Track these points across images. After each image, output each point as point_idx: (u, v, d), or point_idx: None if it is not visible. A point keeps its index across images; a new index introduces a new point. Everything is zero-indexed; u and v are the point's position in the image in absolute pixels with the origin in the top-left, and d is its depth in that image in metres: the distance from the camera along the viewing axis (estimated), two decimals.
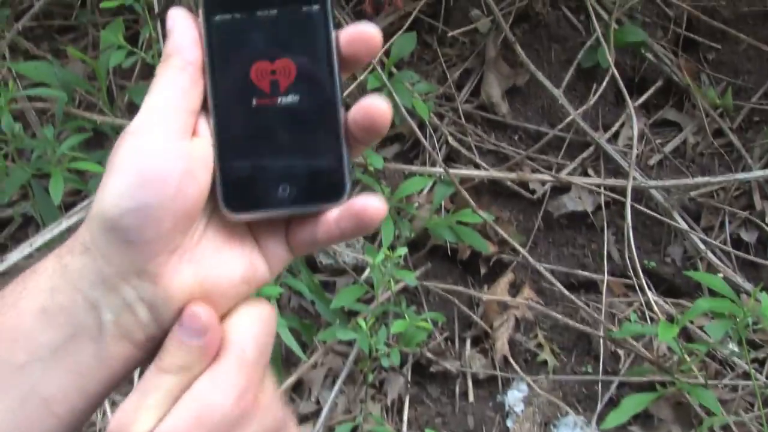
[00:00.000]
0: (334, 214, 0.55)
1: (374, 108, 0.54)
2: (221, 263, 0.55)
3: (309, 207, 0.56)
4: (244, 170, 0.55)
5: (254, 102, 0.55)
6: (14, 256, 1.54)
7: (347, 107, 0.56)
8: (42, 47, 1.97)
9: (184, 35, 0.54)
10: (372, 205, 0.54)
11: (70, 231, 1.76)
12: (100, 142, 1.89)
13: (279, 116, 0.55)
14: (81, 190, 1.72)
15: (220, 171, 0.55)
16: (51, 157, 1.58)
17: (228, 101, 0.55)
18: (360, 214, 0.54)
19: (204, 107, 0.56)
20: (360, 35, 0.55)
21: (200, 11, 0.55)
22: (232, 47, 0.55)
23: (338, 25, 0.57)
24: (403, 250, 1.51)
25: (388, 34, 1.94)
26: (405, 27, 1.90)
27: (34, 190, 1.63)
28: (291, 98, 0.55)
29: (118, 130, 1.71)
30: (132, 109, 1.84)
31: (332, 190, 0.55)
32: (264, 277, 0.57)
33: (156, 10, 1.82)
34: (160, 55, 1.81)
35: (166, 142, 0.52)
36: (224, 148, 0.55)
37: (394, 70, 1.82)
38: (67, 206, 1.80)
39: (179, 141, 0.52)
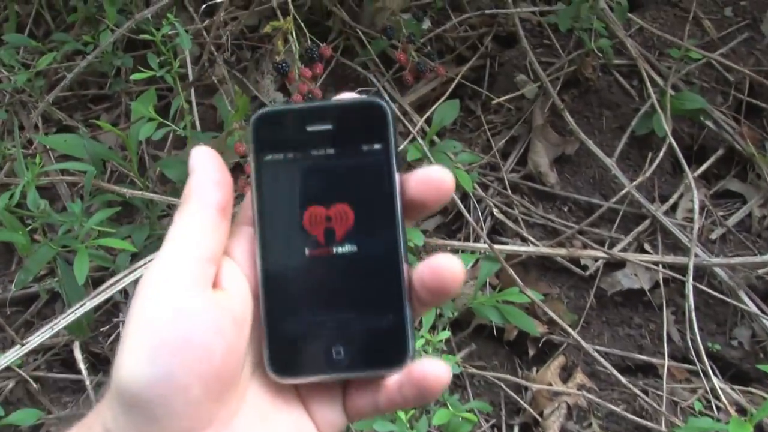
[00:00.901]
0: (396, 380, 0.49)
1: (445, 268, 0.47)
2: None
3: (365, 373, 0.50)
4: (294, 329, 0.50)
5: (307, 252, 0.50)
6: (36, 339, 1.47)
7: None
8: (75, 117, 1.93)
9: (205, 175, 0.49)
10: (433, 372, 0.48)
11: (96, 310, 1.70)
12: (131, 214, 1.83)
13: (334, 269, 0.50)
14: (109, 267, 1.65)
15: (267, 329, 0.50)
16: (78, 233, 1.52)
17: (278, 250, 0.50)
18: (420, 383, 0.48)
19: (228, 252, 0.50)
20: (429, 179, 0.49)
21: (250, 150, 0.51)
22: (284, 190, 0.50)
23: (404, 164, 0.49)
24: (445, 334, 1.42)
25: (429, 101, 1.87)
26: (447, 93, 1.83)
27: (59, 267, 1.57)
28: (348, 248, 0.50)
29: (148, 204, 1.65)
30: (164, 181, 1.79)
31: (392, 355, 0.49)
32: None
33: (190, 78, 1.78)
34: (193, 127, 1.77)
35: (184, 297, 0.46)
36: (272, 303, 0.50)
37: (435, 138, 1.74)
38: (95, 282, 1.74)
39: (200, 294, 0.46)
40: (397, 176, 0.49)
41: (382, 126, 0.50)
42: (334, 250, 0.50)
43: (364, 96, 0.52)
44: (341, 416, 0.51)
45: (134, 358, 0.45)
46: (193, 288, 0.46)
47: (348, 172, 0.50)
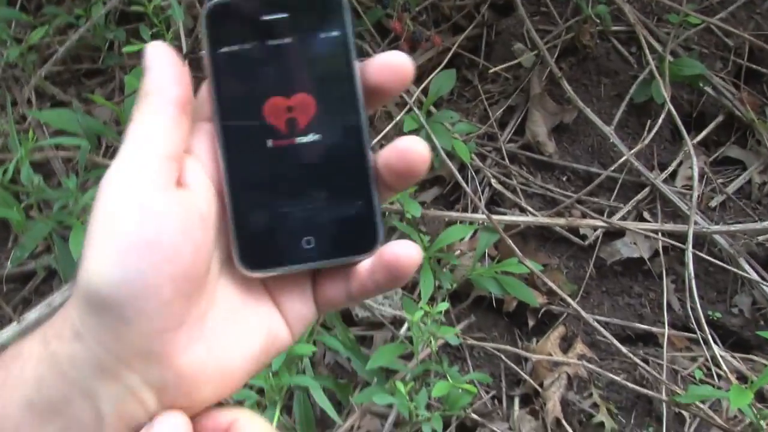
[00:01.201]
0: (367, 266, 0.49)
1: (411, 151, 0.48)
2: (237, 334, 0.48)
3: (337, 260, 0.49)
4: (261, 222, 0.49)
5: (270, 143, 0.49)
6: (32, 315, 1.47)
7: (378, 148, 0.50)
8: (69, 91, 1.91)
9: (161, 72, 0.48)
10: (404, 253, 0.48)
11: None
12: None
13: (299, 159, 0.49)
14: None
15: (235, 223, 0.49)
16: (73, 209, 1.51)
17: (240, 144, 0.49)
18: (392, 264, 0.48)
19: (194, 150, 0.49)
20: (388, 64, 0.48)
21: (204, 43, 0.49)
22: (242, 83, 0.49)
23: (363, 55, 0.48)
24: (444, 306, 1.41)
25: (426, 71, 1.85)
26: (444, 63, 1.81)
27: (55, 243, 1.55)
28: (311, 138, 0.49)
29: None
30: None
31: (362, 240, 0.49)
32: (285, 342, 0.50)
33: (183, 51, 1.75)
34: None
35: (150, 196, 0.45)
36: (238, 198, 0.49)
37: (432, 109, 1.72)
38: None
39: (165, 192, 0.45)
40: (356, 63, 0.49)
41: (338, 13, 0.49)
42: (297, 139, 0.49)
43: None
44: (311, 308, 0.50)
45: (102, 260, 0.43)
46: (158, 186, 0.45)
47: (306, 61, 0.49)
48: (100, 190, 0.45)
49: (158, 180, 0.45)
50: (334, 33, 0.49)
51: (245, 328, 0.49)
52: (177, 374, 0.45)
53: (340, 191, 0.49)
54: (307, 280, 0.50)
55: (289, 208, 0.49)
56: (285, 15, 0.49)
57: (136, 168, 0.45)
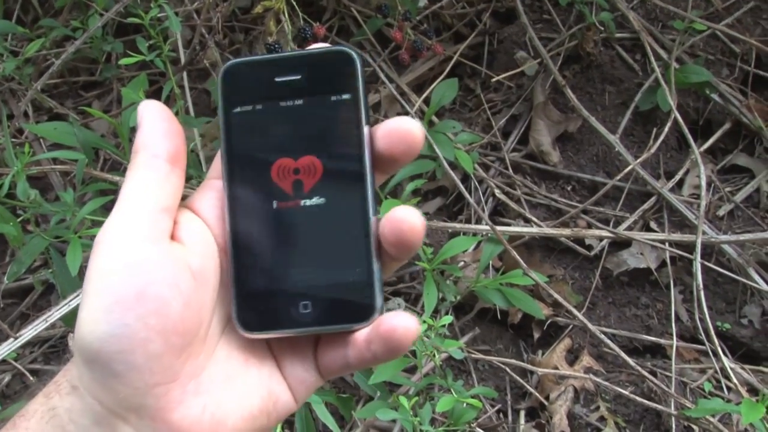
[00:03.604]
0: (364, 335, 0.48)
1: (403, 221, 0.47)
2: (235, 392, 0.48)
3: (333, 327, 0.49)
4: (261, 283, 0.49)
5: (275, 205, 0.49)
6: (30, 332, 1.44)
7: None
8: (66, 104, 1.90)
9: (152, 128, 0.49)
10: (401, 324, 0.47)
11: None
12: None
13: (302, 222, 0.49)
14: None
15: (235, 283, 0.49)
16: (71, 223, 1.49)
17: (245, 203, 0.49)
18: (389, 336, 0.47)
19: (178, 205, 0.50)
20: (397, 131, 0.48)
21: (218, 102, 0.51)
22: (252, 142, 0.50)
23: (374, 119, 0.46)
24: (448, 319, 1.38)
25: (427, 81, 1.83)
26: (446, 72, 1.78)
27: (52, 258, 1.53)
28: (315, 201, 0.49)
29: None
30: None
31: (359, 309, 0.49)
32: (287, 406, 0.50)
33: (182, 62, 1.74)
34: (187, 112, 1.72)
35: (138, 250, 0.45)
36: (239, 257, 0.49)
37: (434, 119, 1.70)
38: None
39: (153, 246, 0.46)
40: (366, 128, 0.49)
41: (350, 76, 0.49)
42: (302, 202, 0.49)
43: (332, 45, 0.51)
44: (314, 374, 0.50)
45: (91, 314, 0.44)
46: (147, 240, 0.46)
47: (316, 124, 0.49)
48: (94, 247, 0.46)
49: (148, 234, 0.46)
50: (346, 97, 0.49)
51: (244, 387, 0.48)
52: (170, 429, 0.45)
53: (340, 257, 0.49)
54: (309, 344, 0.50)
55: (288, 271, 0.49)
56: (298, 77, 0.50)
57: (126, 223, 0.46)
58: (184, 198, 0.50)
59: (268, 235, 0.49)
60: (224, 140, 0.50)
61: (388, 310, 0.49)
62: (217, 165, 0.52)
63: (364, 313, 0.48)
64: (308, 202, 0.49)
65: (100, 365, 0.44)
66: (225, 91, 0.50)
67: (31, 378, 1.61)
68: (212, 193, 0.51)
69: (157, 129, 0.49)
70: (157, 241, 0.46)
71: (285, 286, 0.49)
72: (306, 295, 0.49)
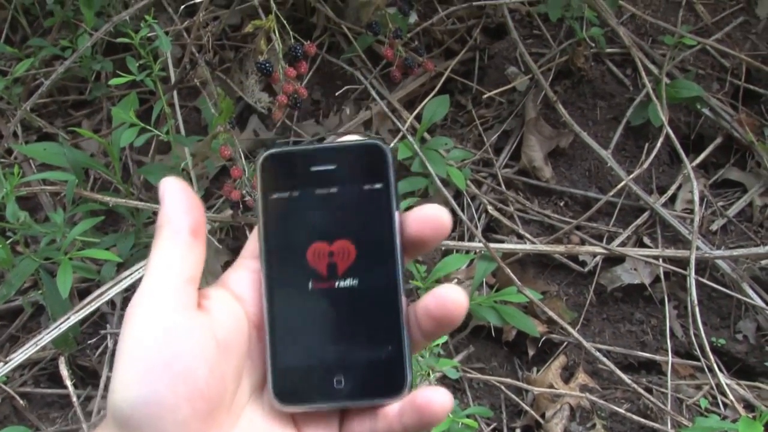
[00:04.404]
0: (395, 408, 0.51)
1: (449, 299, 0.50)
2: None
3: (365, 401, 0.52)
4: (296, 359, 0.52)
5: (310, 285, 0.52)
6: (20, 356, 1.42)
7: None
8: (56, 123, 1.88)
9: (173, 204, 0.52)
10: (437, 400, 0.49)
11: (83, 323, 1.65)
12: (116, 222, 1.78)
13: (336, 302, 0.52)
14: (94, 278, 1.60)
15: (271, 358, 0.52)
16: (61, 244, 1.47)
17: (282, 283, 0.53)
18: (423, 409, 0.49)
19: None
20: (428, 218, 0.52)
21: (257, 188, 0.54)
22: (289, 227, 0.53)
23: (404, 204, 0.48)
24: (442, 338, 1.37)
25: (418, 97, 1.82)
26: (437, 88, 1.78)
27: (42, 280, 1.52)
28: (349, 282, 0.52)
29: (132, 211, 1.60)
30: (148, 187, 1.74)
31: (391, 385, 0.51)
32: None
33: (172, 81, 1.73)
34: (177, 131, 1.71)
35: (167, 319, 0.49)
36: (276, 334, 0.52)
37: (426, 135, 1.69)
38: (81, 293, 1.69)
39: (180, 316, 0.49)
40: (396, 214, 0.52)
41: (382, 167, 0.53)
42: (337, 283, 0.52)
43: (366, 138, 0.55)
44: None
45: (125, 381, 0.47)
46: (175, 309, 0.49)
47: (350, 211, 0.53)
48: (126, 318, 0.49)
49: (176, 303, 0.49)
50: (378, 186, 0.53)
51: None
52: None
53: (372, 335, 0.52)
54: (335, 415, 0.52)
55: (323, 348, 0.52)
56: (332, 167, 0.53)
57: (155, 294, 0.49)
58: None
59: (304, 313, 0.52)
60: (262, 224, 0.53)
61: None
62: (251, 245, 0.55)
63: (395, 388, 0.51)
64: (342, 284, 0.52)
65: (132, 429, 0.46)
66: (263, 178, 0.53)
67: (21, 402, 1.59)
68: (245, 272, 0.54)
69: (178, 204, 0.52)
70: (184, 311, 0.49)
71: (320, 361, 0.52)
72: (340, 370, 0.51)
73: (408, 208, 0.53)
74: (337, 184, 0.53)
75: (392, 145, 1.66)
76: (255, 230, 0.55)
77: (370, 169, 0.53)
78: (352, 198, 0.53)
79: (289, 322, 0.52)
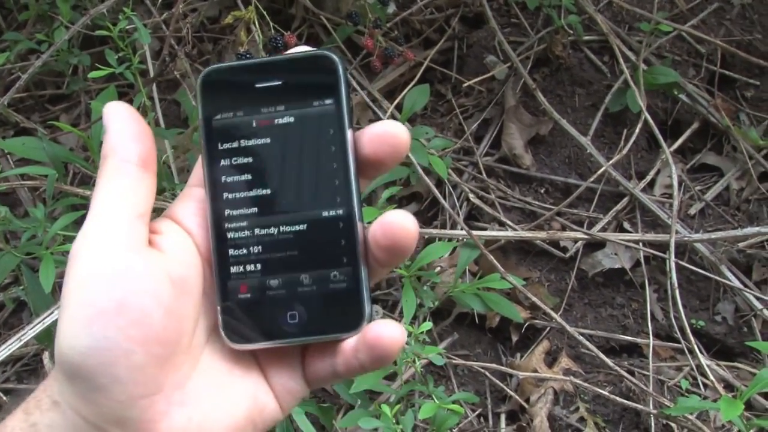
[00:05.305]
0: (351, 344, 0.48)
1: (397, 225, 0.46)
2: (220, 402, 0.47)
3: (321, 337, 0.48)
4: (247, 294, 0.48)
5: (258, 214, 0.49)
6: (3, 352, 1.41)
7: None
8: (33, 118, 1.87)
9: (120, 131, 0.47)
10: (388, 334, 0.46)
11: None
12: None
13: (286, 231, 0.48)
14: None
15: (220, 295, 0.49)
16: (42, 239, 1.47)
17: (229, 213, 0.49)
18: (375, 344, 0.46)
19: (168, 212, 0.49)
20: (383, 136, 0.47)
21: (198, 110, 0.49)
22: (234, 152, 0.49)
23: (356, 123, 0.46)
24: (427, 326, 1.38)
25: (398, 87, 1.83)
26: (417, 78, 1.78)
27: (24, 276, 1.51)
28: (300, 210, 0.49)
29: None
30: None
31: (347, 319, 0.48)
32: (273, 415, 0.49)
33: (151, 74, 1.72)
34: (157, 123, 1.71)
35: (116, 260, 0.44)
36: (224, 268, 0.48)
37: (407, 125, 1.70)
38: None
39: (132, 255, 0.45)
40: (349, 134, 0.48)
41: (332, 80, 0.48)
42: (286, 211, 0.48)
43: (313, 48, 0.50)
44: (301, 383, 0.50)
45: (71, 327, 0.43)
46: (125, 248, 0.45)
47: (298, 131, 0.48)
48: (70, 258, 0.45)
49: (125, 242, 0.45)
50: (328, 101, 0.48)
51: (229, 396, 0.47)
52: None
53: (327, 267, 0.48)
54: (296, 353, 0.49)
55: (274, 282, 0.48)
56: (278, 83, 0.49)
57: (102, 232, 0.45)
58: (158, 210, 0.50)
59: (252, 244, 0.49)
60: (205, 148, 0.49)
61: None
62: (198, 172, 0.51)
63: (352, 322, 0.48)
64: (292, 211, 0.48)
65: (81, 379, 0.43)
66: (204, 98, 0.49)
67: (4, 398, 1.58)
68: (193, 203, 0.50)
69: (125, 132, 0.47)
70: (135, 250, 0.45)
71: (272, 296, 0.48)
72: (293, 304, 0.48)
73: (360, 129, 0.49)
74: (284, 101, 0.48)
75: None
76: (199, 156, 0.51)
77: (319, 82, 0.48)
78: (301, 117, 0.48)
79: (236, 255, 0.48)
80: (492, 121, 1.85)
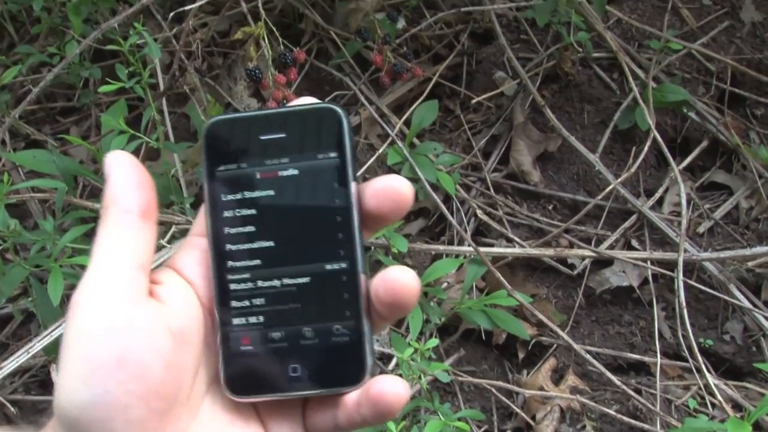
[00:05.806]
0: (354, 398, 0.47)
1: (398, 282, 0.46)
2: None
3: (323, 391, 0.48)
4: (249, 346, 0.48)
5: (261, 266, 0.49)
6: (11, 364, 1.42)
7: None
8: (44, 130, 1.88)
9: (121, 182, 0.47)
10: (390, 390, 0.46)
11: None
12: None
13: (289, 284, 0.49)
14: None
15: (222, 346, 0.48)
16: (51, 251, 1.47)
17: (232, 264, 0.49)
18: (378, 401, 0.46)
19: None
20: (386, 190, 0.47)
21: (202, 160, 0.50)
22: (237, 203, 0.49)
23: (361, 176, 0.46)
24: (433, 342, 1.38)
25: (407, 102, 1.83)
26: (425, 94, 1.78)
27: (33, 288, 1.51)
28: (303, 263, 0.49)
29: None
30: None
31: (349, 373, 0.48)
32: None
33: (161, 88, 1.73)
34: (167, 137, 1.71)
35: (116, 312, 0.44)
36: (227, 320, 0.49)
37: (415, 140, 1.70)
38: None
39: (132, 307, 0.45)
40: (353, 187, 0.48)
41: (337, 134, 0.48)
42: (289, 264, 0.48)
43: (318, 101, 0.50)
44: None
45: (70, 381, 0.43)
46: (125, 301, 0.45)
47: (302, 184, 0.48)
48: (71, 308, 0.45)
49: (125, 294, 0.45)
50: (332, 155, 0.48)
51: None
52: None
53: (329, 320, 0.48)
54: (297, 405, 0.49)
55: (277, 334, 0.48)
56: (283, 135, 0.49)
57: (103, 284, 0.45)
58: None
59: (256, 296, 0.49)
60: (208, 199, 0.49)
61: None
62: (200, 222, 0.51)
63: (354, 375, 0.48)
64: (295, 264, 0.48)
65: None
66: (208, 149, 0.49)
67: (12, 409, 1.59)
68: (195, 252, 0.50)
69: (127, 182, 0.47)
70: (135, 302, 0.45)
71: (274, 349, 0.48)
72: (296, 358, 0.48)
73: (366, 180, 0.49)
74: (288, 154, 0.48)
75: (381, 150, 1.67)
76: (203, 206, 0.50)
77: (323, 135, 0.48)
78: (305, 169, 0.48)
79: (238, 307, 0.48)
80: (500, 137, 1.85)
